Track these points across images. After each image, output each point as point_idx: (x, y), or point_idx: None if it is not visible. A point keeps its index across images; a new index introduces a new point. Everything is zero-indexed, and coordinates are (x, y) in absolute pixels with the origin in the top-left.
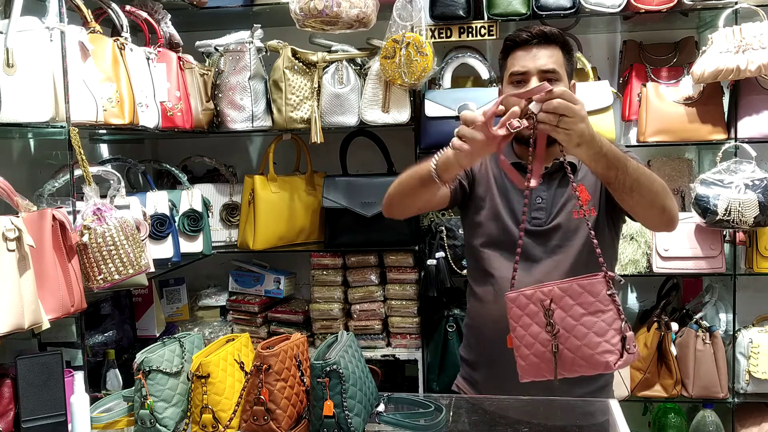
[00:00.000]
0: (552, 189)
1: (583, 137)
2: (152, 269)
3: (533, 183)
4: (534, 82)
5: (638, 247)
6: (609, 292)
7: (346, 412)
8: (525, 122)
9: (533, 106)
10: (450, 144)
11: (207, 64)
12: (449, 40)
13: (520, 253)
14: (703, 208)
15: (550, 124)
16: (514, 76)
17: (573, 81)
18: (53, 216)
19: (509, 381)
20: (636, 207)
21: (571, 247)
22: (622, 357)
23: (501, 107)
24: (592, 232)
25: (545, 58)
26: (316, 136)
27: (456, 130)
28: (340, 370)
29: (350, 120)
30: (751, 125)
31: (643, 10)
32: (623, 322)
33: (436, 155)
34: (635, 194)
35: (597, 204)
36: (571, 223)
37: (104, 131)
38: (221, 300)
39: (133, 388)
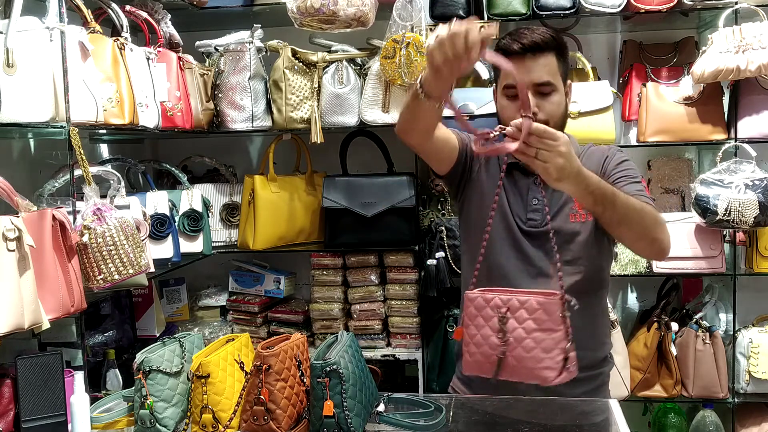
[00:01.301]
0: (549, 191)
1: (562, 172)
2: (152, 269)
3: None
4: (529, 96)
5: None
6: (562, 314)
7: (346, 412)
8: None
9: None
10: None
11: (207, 64)
12: None
13: (523, 260)
14: (703, 208)
15: (527, 154)
16: (507, 89)
17: (569, 82)
18: (53, 216)
19: (504, 381)
20: (624, 239)
21: (570, 251)
22: (560, 375)
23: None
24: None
25: (539, 69)
26: (316, 136)
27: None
28: (340, 370)
29: (350, 120)
30: (751, 125)
31: (643, 10)
32: (569, 343)
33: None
34: (623, 228)
35: None
36: (569, 226)
37: (104, 131)
38: (221, 300)
39: (133, 388)
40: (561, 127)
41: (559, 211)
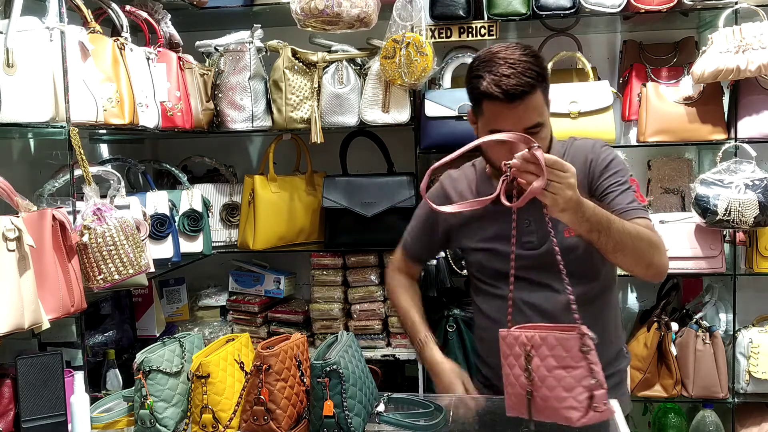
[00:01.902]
0: (538, 211)
1: (569, 203)
2: (152, 269)
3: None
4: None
5: None
6: (583, 349)
7: (346, 412)
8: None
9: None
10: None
11: (207, 64)
12: (449, 40)
13: (528, 279)
14: (703, 208)
15: (533, 186)
16: (495, 132)
17: (549, 100)
18: (53, 216)
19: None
20: (620, 264)
21: (569, 266)
22: (586, 415)
23: None
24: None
25: (528, 113)
26: (316, 136)
27: None
28: (340, 370)
29: (350, 120)
30: (751, 125)
31: (643, 10)
32: (593, 380)
33: (426, 341)
34: (618, 254)
35: None
36: (565, 242)
37: (104, 131)
38: (221, 300)
39: (133, 388)
40: (550, 149)
41: (553, 228)
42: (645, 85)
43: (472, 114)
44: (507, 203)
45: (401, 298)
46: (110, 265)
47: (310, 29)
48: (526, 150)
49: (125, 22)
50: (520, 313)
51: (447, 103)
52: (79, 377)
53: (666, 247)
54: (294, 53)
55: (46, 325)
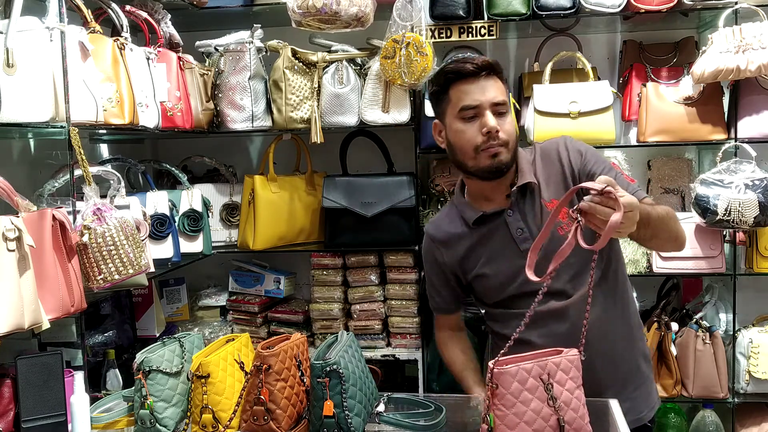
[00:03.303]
0: (526, 216)
1: (635, 219)
2: (152, 269)
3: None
4: (488, 116)
5: (638, 247)
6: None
7: (346, 412)
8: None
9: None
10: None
11: (207, 64)
12: (449, 40)
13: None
14: (703, 208)
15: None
16: (465, 110)
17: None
18: (53, 216)
19: None
20: (652, 246)
21: (570, 265)
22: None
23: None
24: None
25: (494, 90)
26: (316, 136)
27: None
28: (340, 370)
29: (350, 120)
30: (751, 125)
31: (643, 10)
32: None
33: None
34: (654, 239)
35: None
36: (562, 240)
37: (104, 131)
38: (221, 300)
39: (133, 388)
40: (516, 148)
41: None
42: (645, 85)
43: (437, 124)
44: (586, 246)
45: (451, 356)
46: (110, 265)
47: (305, 28)
48: (597, 191)
49: (125, 22)
50: (540, 325)
51: None
52: (79, 377)
53: None
54: (294, 53)
55: (46, 325)
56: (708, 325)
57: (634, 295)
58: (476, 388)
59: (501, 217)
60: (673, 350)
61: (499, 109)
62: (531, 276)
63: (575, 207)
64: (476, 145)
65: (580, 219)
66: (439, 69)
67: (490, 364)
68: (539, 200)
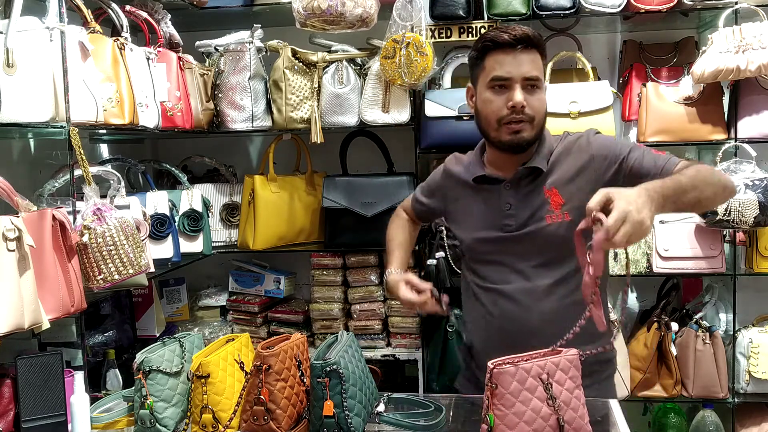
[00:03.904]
0: (520, 195)
1: (647, 219)
2: (152, 269)
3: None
4: (517, 90)
5: (638, 247)
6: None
7: (346, 412)
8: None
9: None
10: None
11: (207, 64)
12: (449, 40)
13: (505, 263)
14: None
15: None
16: (495, 80)
17: (546, 83)
18: (53, 216)
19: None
20: (704, 209)
21: (552, 252)
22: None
23: None
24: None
25: (529, 64)
26: (316, 136)
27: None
28: (340, 370)
29: (350, 120)
30: (751, 125)
31: (643, 10)
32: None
33: (390, 271)
34: (700, 203)
35: (576, 207)
36: (547, 228)
37: (104, 131)
38: (221, 300)
39: (133, 388)
40: (543, 126)
41: (534, 214)
42: (645, 85)
43: (470, 89)
44: (598, 273)
45: (392, 228)
46: (110, 265)
47: (309, 29)
48: (583, 225)
49: (125, 22)
50: (497, 301)
51: (447, 103)
52: (79, 377)
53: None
54: (294, 53)
55: (46, 325)
56: (708, 325)
57: (635, 297)
58: (394, 265)
59: (498, 186)
60: (673, 350)
61: (530, 84)
62: (589, 270)
63: (588, 244)
64: (500, 117)
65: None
66: (479, 37)
67: (490, 364)
68: (542, 186)
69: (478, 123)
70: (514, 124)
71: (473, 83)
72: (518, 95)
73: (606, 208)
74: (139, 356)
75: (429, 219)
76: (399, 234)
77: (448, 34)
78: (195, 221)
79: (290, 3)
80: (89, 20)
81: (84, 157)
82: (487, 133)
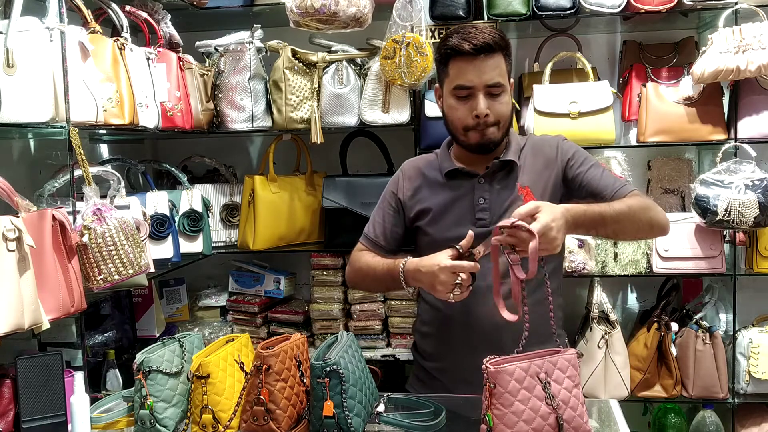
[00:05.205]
0: (494, 189)
1: (561, 235)
2: (152, 269)
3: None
4: (480, 99)
5: (638, 247)
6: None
7: (346, 413)
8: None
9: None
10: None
11: (207, 64)
12: None
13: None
14: (703, 209)
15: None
16: (459, 90)
17: (511, 81)
18: (53, 216)
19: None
20: (626, 239)
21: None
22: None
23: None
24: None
25: (490, 71)
26: (316, 137)
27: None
28: (340, 371)
29: (350, 120)
30: (751, 125)
31: (643, 11)
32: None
33: (403, 262)
34: (620, 235)
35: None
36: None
37: (104, 131)
38: (221, 300)
39: (133, 388)
40: (509, 125)
41: (509, 208)
42: (645, 86)
43: (438, 89)
44: (521, 276)
45: (363, 261)
46: (110, 265)
47: (303, 28)
48: (507, 226)
49: (125, 22)
50: (467, 300)
51: None
52: (79, 377)
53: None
54: (294, 53)
55: (46, 326)
56: (708, 326)
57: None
58: (400, 260)
59: (472, 181)
60: (673, 350)
61: (493, 91)
62: (507, 316)
63: (503, 244)
64: (465, 125)
65: (507, 254)
66: (443, 37)
67: (488, 364)
68: (514, 181)
69: (445, 124)
70: (480, 129)
71: (440, 84)
72: (481, 104)
73: (531, 218)
74: (139, 356)
75: (398, 242)
76: (376, 257)
77: None
78: (195, 221)
79: (285, 1)
80: (89, 20)
81: (84, 158)
82: (455, 137)
